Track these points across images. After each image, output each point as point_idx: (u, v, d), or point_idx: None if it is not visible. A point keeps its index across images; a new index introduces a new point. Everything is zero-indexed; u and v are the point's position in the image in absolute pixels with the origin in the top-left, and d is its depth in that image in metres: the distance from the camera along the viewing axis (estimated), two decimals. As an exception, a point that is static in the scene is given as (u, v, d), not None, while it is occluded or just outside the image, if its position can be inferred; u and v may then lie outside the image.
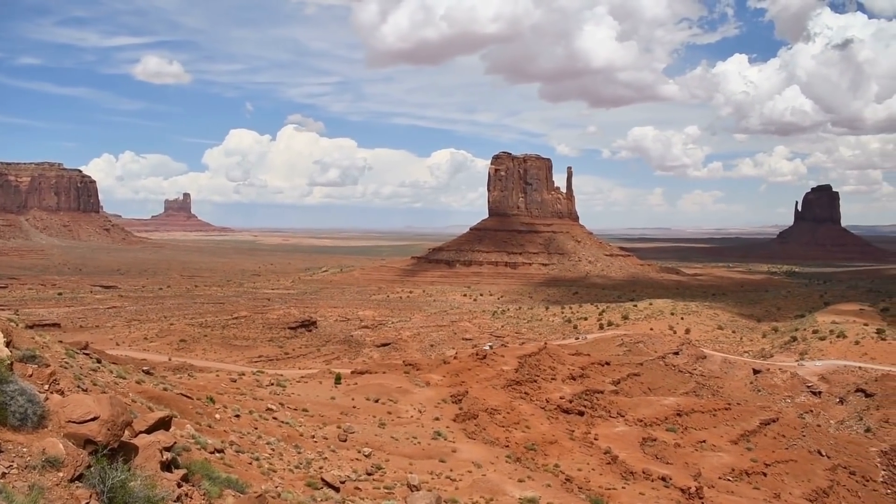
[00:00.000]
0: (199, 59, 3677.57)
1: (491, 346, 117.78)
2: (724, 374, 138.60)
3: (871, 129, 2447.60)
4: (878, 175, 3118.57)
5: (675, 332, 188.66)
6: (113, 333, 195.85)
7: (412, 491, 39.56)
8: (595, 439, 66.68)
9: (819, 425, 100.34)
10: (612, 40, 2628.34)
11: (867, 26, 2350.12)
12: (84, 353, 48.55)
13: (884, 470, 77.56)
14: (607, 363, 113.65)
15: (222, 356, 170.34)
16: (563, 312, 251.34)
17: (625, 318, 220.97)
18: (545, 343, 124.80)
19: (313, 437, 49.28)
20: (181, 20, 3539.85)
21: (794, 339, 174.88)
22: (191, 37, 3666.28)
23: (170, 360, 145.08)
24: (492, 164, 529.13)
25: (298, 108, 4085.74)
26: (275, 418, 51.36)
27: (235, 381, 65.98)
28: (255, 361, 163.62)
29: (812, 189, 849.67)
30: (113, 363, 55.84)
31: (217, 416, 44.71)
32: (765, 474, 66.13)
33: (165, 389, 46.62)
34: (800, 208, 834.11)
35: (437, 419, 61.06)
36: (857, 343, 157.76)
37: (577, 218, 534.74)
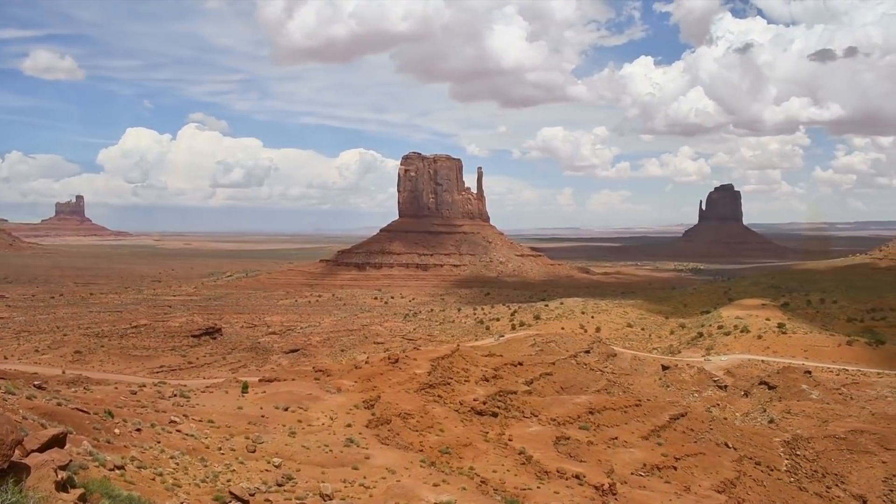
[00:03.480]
0: (94, 53, 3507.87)
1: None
2: (634, 371, 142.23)
3: (770, 130, 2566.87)
4: (777, 175, 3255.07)
5: (585, 331, 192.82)
6: (0, 346, 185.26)
7: (325, 500, 38.40)
8: (509, 440, 66.69)
9: (726, 418, 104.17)
10: (522, 41, 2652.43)
11: (766, 31, 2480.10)
12: (-34, 368, 45.18)
13: (787, 459, 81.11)
14: (520, 363, 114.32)
15: (121, 367, 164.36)
16: (475, 314, 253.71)
17: (536, 318, 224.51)
18: (458, 345, 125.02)
19: (220, 448, 47.33)
20: (74, 13, 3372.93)
21: (701, 334, 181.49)
22: (84, 30, 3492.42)
23: (64, 373, 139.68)
24: (401, 164, 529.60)
25: (200, 106, 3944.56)
26: (179, 431, 49.04)
27: (136, 394, 62.84)
28: (157, 372, 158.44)
29: (715, 188, 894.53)
30: (1, 378, 52.19)
31: (116, 430, 42.25)
32: (675, 468, 67.76)
33: (59, 404, 43.74)
34: (704, 207, 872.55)
35: (349, 426, 59.77)
36: (759, 337, 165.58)
37: (489, 218, 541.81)
